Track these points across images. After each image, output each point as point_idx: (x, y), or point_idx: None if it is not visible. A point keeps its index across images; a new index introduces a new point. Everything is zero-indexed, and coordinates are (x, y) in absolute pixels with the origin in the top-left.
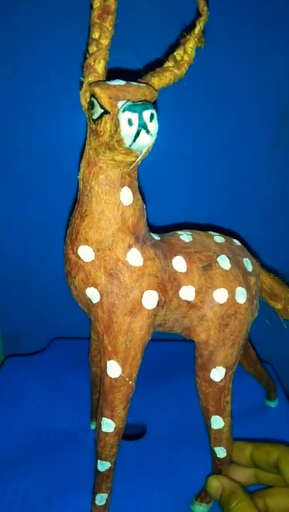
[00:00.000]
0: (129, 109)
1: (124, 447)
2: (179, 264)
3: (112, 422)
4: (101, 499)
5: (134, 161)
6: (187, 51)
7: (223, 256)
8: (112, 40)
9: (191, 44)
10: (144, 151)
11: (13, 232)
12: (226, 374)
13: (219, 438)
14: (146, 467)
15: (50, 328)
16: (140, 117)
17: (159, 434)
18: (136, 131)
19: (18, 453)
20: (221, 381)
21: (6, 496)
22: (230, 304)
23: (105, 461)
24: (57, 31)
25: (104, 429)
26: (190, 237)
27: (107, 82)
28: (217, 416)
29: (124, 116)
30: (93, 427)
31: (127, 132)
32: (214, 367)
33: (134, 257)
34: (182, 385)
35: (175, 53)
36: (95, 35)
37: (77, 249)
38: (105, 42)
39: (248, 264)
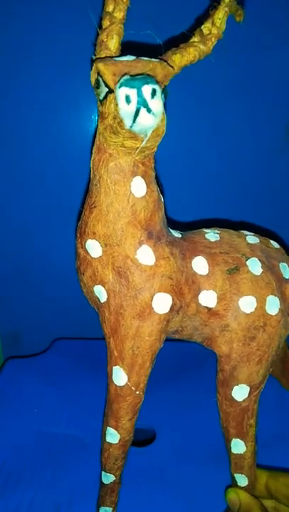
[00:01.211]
0: (126, 83)
1: (132, 454)
2: (200, 265)
3: (116, 432)
4: None
5: (139, 147)
6: (215, 23)
7: (254, 259)
8: (128, 12)
9: (220, 15)
10: (148, 134)
11: (13, 228)
12: (250, 393)
13: (240, 464)
14: (155, 475)
15: (51, 328)
16: (139, 93)
17: (169, 439)
18: (135, 109)
19: (22, 461)
20: (243, 401)
21: (9, 509)
22: (259, 315)
23: (109, 473)
24: (57, 22)
25: (108, 439)
26: (217, 235)
27: (115, 58)
28: (238, 439)
29: (121, 93)
30: None
31: (125, 111)
32: (237, 384)
33: (146, 255)
34: (195, 387)
35: (202, 26)
36: (109, 7)
37: (85, 243)
38: (119, 15)
39: (286, 269)
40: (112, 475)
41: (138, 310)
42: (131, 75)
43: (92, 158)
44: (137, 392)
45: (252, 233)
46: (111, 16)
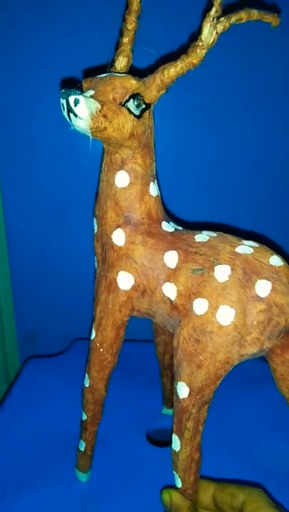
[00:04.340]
0: (60, 95)
1: (155, 453)
2: (170, 258)
3: (87, 378)
4: (80, 445)
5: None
6: (200, 35)
7: (226, 266)
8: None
9: (204, 27)
10: (89, 132)
11: (31, 230)
12: (189, 395)
13: (175, 462)
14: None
15: (67, 328)
16: (67, 102)
17: None
18: (66, 114)
19: (48, 458)
20: (183, 400)
21: (34, 507)
22: (208, 320)
23: (83, 411)
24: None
25: (84, 381)
26: (207, 238)
27: (98, 76)
28: (176, 436)
29: (61, 102)
30: (164, 412)
31: (64, 116)
32: (180, 380)
33: (118, 237)
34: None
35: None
36: (122, 34)
37: (93, 221)
38: (124, 40)
39: (264, 287)
40: (84, 413)
41: (108, 282)
42: (65, 89)
43: None
44: (101, 350)
45: (255, 244)
46: (121, 40)
